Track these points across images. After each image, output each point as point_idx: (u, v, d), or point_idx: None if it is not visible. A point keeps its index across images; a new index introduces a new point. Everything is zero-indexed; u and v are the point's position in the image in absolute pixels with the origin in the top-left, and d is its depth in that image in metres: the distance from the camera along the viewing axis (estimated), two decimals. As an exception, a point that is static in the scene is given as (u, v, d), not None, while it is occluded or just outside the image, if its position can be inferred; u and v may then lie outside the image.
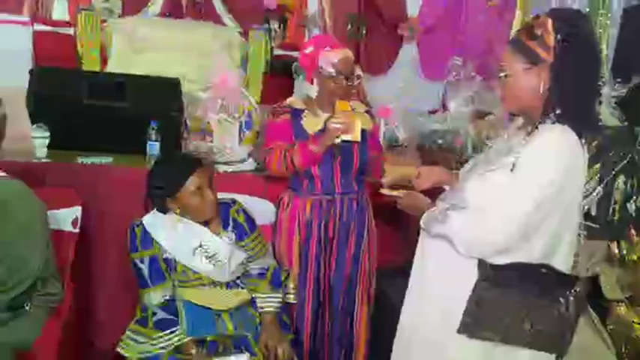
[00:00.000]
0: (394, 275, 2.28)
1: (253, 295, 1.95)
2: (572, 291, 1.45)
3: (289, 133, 2.06)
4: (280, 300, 1.97)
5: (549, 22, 1.36)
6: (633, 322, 1.94)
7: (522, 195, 1.36)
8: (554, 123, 1.38)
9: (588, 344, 1.91)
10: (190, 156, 2.02)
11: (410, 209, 1.63)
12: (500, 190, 1.38)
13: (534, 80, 1.38)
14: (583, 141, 1.41)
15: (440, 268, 1.53)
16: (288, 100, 2.13)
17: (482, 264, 1.44)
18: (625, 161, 2.09)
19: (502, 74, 1.44)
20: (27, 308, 1.78)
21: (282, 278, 2.00)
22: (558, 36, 1.34)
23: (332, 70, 1.98)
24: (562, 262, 1.45)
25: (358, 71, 2.06)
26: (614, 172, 2.08)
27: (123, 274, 2.10)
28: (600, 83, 1.45)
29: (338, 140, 1.95)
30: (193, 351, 1.78)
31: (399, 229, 2.43)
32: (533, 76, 1.38)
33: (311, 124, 2.06)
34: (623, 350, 1.95)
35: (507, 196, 1.37)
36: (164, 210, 1.85)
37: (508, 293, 1.43)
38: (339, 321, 2.17)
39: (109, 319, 2.29)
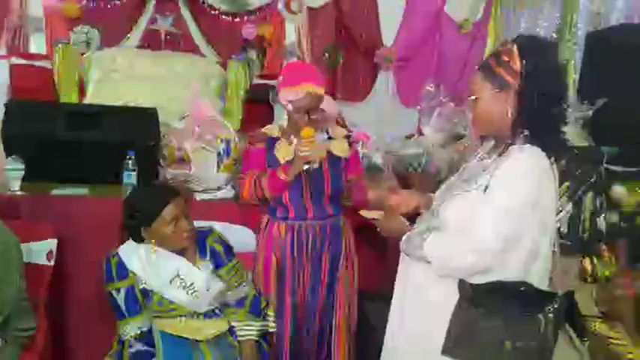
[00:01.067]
0: (375, 298, 2.29)
1: (232, 324, 1.93)
2: (551, 307, 1.46)
3: (264, 161, 2.06)
4: (259, 328, 1.95)
5: (516, 48, 1.42)
6: (610, 337, 1.95)
7: (496, 217, 1.39)
8: (524, 144, 1.43)
9: (567, 362, 1.92)
10: (166, 186, 2.02)
11: (389, 232, 1.64)
12: (474, 212, 1.42)
13: (502, 104, 1.44)
14: (552, 160, 1.46)
15: (420, 289, 1.54)
16: (264, 129, 2.14)
17: (462, 284, 1.46)
18: (592, 179, 2.14)
19: (472, 97, 1.49)
20: (0, 345, 1.75)
21: (262, 306, 1.99)
22: (524, 62, 1.40)
23: (290, 106, 1.98)
24: (538, 278, 1.47)
25: (326, 104, 2.04)
26: (582, 190, 2.13)
27: (98, 306, 2.06)
28: (565, 106, 1.49)
29: (306, 167, 1.96)
30: None
31: (381, 251, 2.43)
32: (501, 101, 1.44)
33: (283, 152, 2.05)
34: (601, 367, 1.96)
35: (482, 218, 1.40)
36: (139, 239, 1.84)
37: (488, 313, 1.44)
38: (316, 349, 2.13)
39: (84, 353, 2.24)
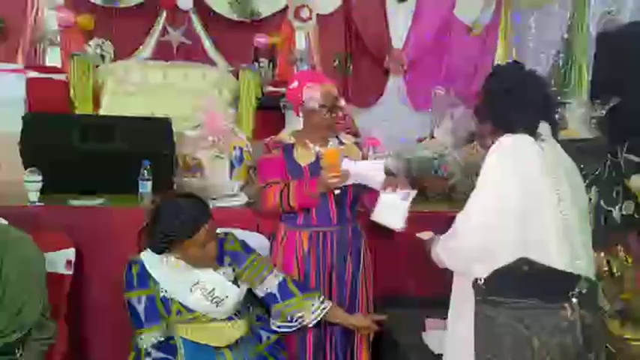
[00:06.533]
0: (391, 302, 2.29)
1: (293, 313, 1.91)
2: (573, 292, 1.39)
3: (282, 168, 2.07)
4: (321, 303, 1.93)
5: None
6: (627, 338, 1.92)
7: (476, 207, 1.50)
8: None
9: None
10: (200, 202, 1.85)
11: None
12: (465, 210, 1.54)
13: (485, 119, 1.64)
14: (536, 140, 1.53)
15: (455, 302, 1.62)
16: (279, 136, 2.17)
17: (475, 284, 1.46)
18: (596, 172, 2.12)
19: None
20: (18, 355, 1.77)
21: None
22: (489, 80, 1.66)
23: (315, 103, 2.03)
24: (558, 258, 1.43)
25: (341, 103, 2.11)
26: (586, 185, 2.11)
27: (115, 315, 2.08)
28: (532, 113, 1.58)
29: (337, 192, 2.01)
30: None
31: (393, 258, 2.43)
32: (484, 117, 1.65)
33: (303, 156, 2.09)
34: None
35: (467, 210, 1.52)
36: (162, 251, 1.82)
37: (507, 310, 1.41)
38: (341, 353, 2.12)
39: (102, 362, 2.27)
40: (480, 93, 1.66)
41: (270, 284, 1.92)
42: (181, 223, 1.74)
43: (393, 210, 1.96)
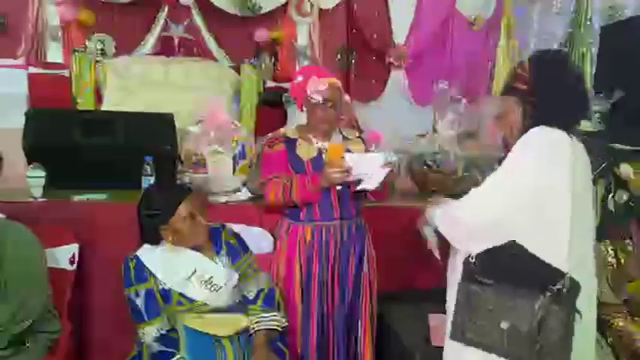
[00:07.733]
0: (391, 299, 2.30)
1: (249, 318, 1.93)
2: (553, 287, 1.38)
3: (285, 163, 2.09)
4: (273, 319, 1.93)
5: (527, 61, 1.54)
6: (634, 335, 1.91)
7: (496, 187, 1.46)
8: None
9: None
10: (180, 184, 2.01)
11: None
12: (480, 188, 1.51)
13: (518, 110, 1.53)
14: (572, 137, 1.48)
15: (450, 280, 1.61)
16: (281, 130, 2.17)
17: (466, 261, 1.49)
18: (603, 165, 2.12)
19: (498, 116, 1.59)
20: (27, 345, 1.79)
21: (277, 298, 1.99)
22: (534, 70, 1.51)
23: (319, 97, 2.03)
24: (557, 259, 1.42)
25: (346, 98, 2.11)
26: (593, 178, 2.11)
27: (119, 309, 2.09)
28: (581, 108, 1.54)
29: (339, 188, 2.01)
30: None
31: (397, 253, 2.43)
32: (516, 107, 1.54)
33: (305, 151, 2.10)
34: (626, 364, 1.91)
35: (483, 189, 1.49)
36: (156, 240, 1.86)
37: (485, 290, 1.44)
38: (344, 348, 2.14)
39: (104, 356, 2.28)
40: (524, 78, 1.52)
41: (254, 286, 1.96)
42: (161, 203, 1.83)
43: (368, 168, 1.95)
